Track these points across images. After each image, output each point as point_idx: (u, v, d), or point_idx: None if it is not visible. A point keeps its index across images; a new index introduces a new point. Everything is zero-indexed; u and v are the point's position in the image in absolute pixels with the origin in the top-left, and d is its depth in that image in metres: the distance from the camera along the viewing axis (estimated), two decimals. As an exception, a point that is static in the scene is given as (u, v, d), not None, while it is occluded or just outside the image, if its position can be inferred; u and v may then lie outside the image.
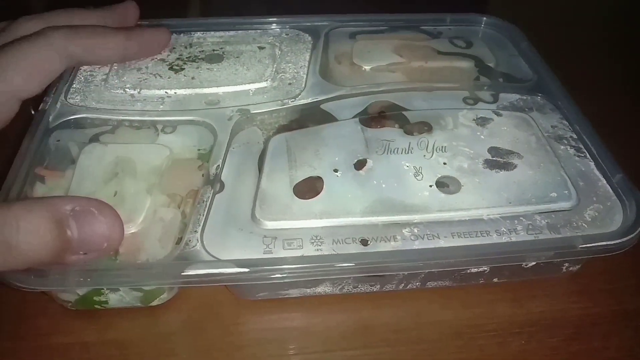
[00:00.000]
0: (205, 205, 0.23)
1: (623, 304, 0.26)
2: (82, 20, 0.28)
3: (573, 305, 0.26)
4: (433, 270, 0.23)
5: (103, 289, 0.22)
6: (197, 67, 0.31)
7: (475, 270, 0.24)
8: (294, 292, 0.24)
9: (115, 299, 0.23)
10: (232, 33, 0.34)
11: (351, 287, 0.24)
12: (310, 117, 0.28)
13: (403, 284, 0.24)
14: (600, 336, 0.25)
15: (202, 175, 0.25)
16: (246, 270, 0.20)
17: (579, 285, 0.27)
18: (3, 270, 0.19)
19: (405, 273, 0.23)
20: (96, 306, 0.24)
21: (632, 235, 0.22)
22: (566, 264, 0.25)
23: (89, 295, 0.23)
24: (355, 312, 0.25)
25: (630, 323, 0.26)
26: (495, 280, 0.25)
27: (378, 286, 0.24)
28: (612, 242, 0.22)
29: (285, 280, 0.21)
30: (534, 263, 0.24)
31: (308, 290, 0.24)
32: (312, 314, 0.25)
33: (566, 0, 0.52)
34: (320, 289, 0.24)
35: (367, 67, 0.32)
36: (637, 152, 0.33)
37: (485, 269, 0.24)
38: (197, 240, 0.22)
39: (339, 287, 0.24)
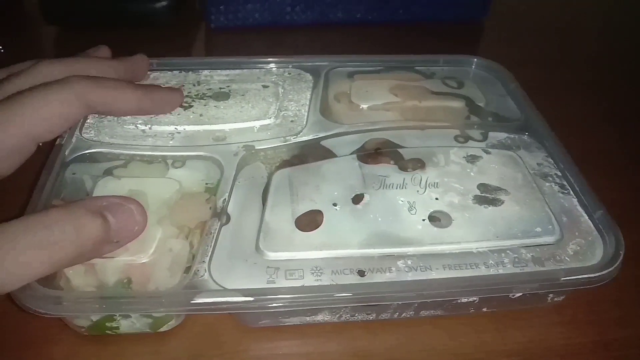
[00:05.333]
0: (213, 237, 0.25)
1: (604, 335, 0.28)
2: (98, 70, 0.29)
3: (557, 335, 0.27)
4: (426, 300, 0.24)
5: (116, 315, 0.24)
6: (205, 105, 0.33)
7: (465, 300, 0.25)
8: (295, 320, 0.25)
9: (126, 325, 0.25)
10: (237, 71, 0.36)
11: (349, 315, 0.25)
12: (311, 153, 0.30)
13: (397, 313, 0.26)
14: (583, 365, 0.26)
15: (210, 208, 0.26)
16: (251, 299, 0.22)
17: (563, 316, 0.28)
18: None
19: (400, 303, 0.25)
20: (108, 332, 0.25)
21: (610, 269, 0.24)
22: (551, 295, 0.26)
23: (102, 321, 0.24)
24: (352, 340, 0.26)
25: (611, 353, 0.27)
26: (484, 309, 0.27)
27: (374, 315, 0.26)
28: (593, 275, 0.24)
29: (286, 309, 0.23)
30: (520, 294, 0.25)
31: (308, 319, 0.25)
32: (311, 341, 0.26)
33: (553, 42, 0.54)
34: (319, 317, 0.25)
35: (364, 106, 0.34)
36: (619, 188, 0.35)
37: (475, 299, 0.25)
38: (205, 270, 0.23)
39: (337, 315, 0.25)
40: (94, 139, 0.30)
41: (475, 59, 0.38)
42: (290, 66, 0.37)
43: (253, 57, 0.37)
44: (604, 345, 0.27)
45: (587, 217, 0.27)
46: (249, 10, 0.47)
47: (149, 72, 0.35)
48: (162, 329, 0.25)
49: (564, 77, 0.48)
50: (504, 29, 0.54)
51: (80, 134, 0.30)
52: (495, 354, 0.26)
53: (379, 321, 0.26)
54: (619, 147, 0.40)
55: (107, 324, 0.24)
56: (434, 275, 0.24)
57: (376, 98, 0.34)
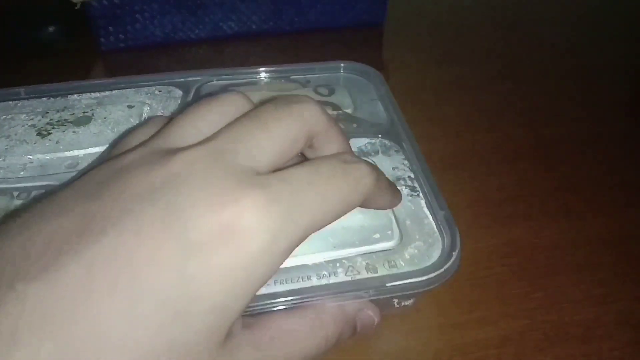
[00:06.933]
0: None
1: (463, 337, 0.28)
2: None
3: (414, 341, 0.28)
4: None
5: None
6: (64, 131, 0.32)
7: (306, 312, 0.25)
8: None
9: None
10: (107, 93, 0.36)
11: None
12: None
13: (241, 331, 0.25)
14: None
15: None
16: None
17: (423, 320, 0.28)
18: None
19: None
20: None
21: (438, 272, 0.24)
22: (396, 300, 0.26)
23: None
24: None
25: (467, 357, 0.27)
26: (331, 319, 0.26)
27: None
28: (418, 280, 0.24)
29: None
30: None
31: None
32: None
33: (453, 42, 0.55)
34: None
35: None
36: (486, 190, 0.36)
37: (317, 310, 0.25)
38: None
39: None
40: (-51, 174, 0.29)
41: (342, 64, 0.38)
42: (161, 83, 0.37)
43: (122, 78, 0.37)
44: (461, 349, 0.27)
45: (431, 219, 0.27)
46: (139, 29, 0.47)
47: (15, 101, 0.35)
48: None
49: (459, 76, 0.48)
50: (402, 32, 0.54)
51: None
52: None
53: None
54: (492, 146, 0.40)
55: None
56: (263, 290, 0.24)
57: (244, 111, 0.34)
